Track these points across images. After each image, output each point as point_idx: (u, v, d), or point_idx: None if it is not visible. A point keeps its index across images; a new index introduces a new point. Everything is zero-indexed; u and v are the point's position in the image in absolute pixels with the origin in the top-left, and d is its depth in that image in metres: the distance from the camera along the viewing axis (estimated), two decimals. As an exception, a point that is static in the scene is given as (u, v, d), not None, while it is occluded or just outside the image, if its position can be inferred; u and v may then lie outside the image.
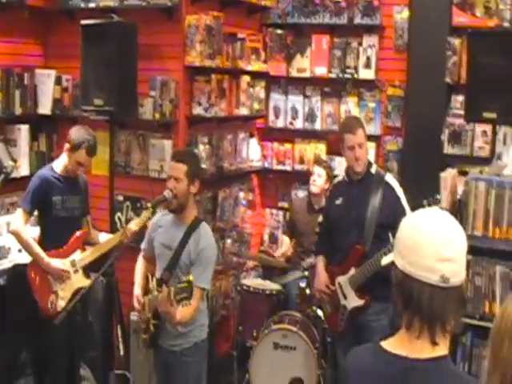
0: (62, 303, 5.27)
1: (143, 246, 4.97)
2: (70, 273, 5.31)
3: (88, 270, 5.38)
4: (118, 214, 6.62)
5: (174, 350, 4.61)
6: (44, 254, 5.30)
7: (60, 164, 5.43)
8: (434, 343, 2.08)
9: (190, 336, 4.61)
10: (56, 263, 5.29)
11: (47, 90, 6.72)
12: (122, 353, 6.03)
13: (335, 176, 6.13)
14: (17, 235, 5.32)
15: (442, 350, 2.10)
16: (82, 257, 5.35)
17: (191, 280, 4.12)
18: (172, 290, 4.10)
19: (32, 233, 5.54)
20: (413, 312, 2.10)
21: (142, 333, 4.74)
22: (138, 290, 4.78)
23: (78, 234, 5.37)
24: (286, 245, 7.29)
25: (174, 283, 4.32)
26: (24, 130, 6.41)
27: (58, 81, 6.79)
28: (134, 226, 5.06)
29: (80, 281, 5.32)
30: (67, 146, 5.35)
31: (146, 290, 4.73)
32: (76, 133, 5.36)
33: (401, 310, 2.15)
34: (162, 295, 4.17)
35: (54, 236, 5.37)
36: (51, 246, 5.34)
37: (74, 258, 5.32)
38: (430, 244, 2.06)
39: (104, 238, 5.53)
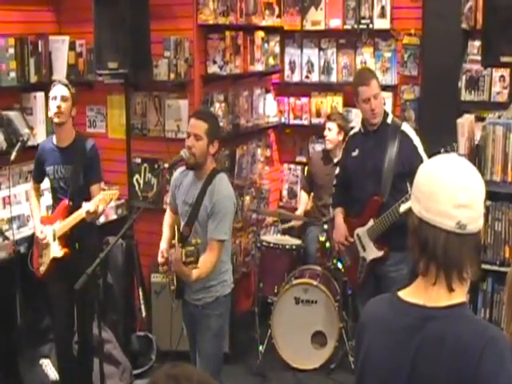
0: (42, 268, 5.35)
1: (169, 200, 5.04)
2: (48, 240, 5.29)
3: (66, 239, 5.27)
4: (136, 176, 6.65)
5: (197, 304, 4.68)
6: (36, 220, 5.42)
7: (54, 133, 5.42)
8: (451, 290, 2.07)
9: (211, 291, 4.65)
10: (36, 229, 5.36)
11: (61, 56, 6.71)
12: (143, 314, 6.10)
13: (352, 128, 6.09)
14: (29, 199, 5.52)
15: (460, 297, 2.09)
16: (59, 227, 5.28)
17: (198, 243, 4.19)
18: (183, 253, 4.16)
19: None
20: (429, 258, 2.09)
21: (171, 284, 4.81)
22: (163, 245, 4.84)
23: (61, 203, 5.31)
24: (303, 203, 7.31)
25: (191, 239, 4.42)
26: (40, 98, 6.39)
27: (72, 46, 6.77)
28: (91, 206, 5.02)
29: (54, 251, 5.28)
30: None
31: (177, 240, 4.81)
32: None
33: (417, 256, 2.13)
34: (176, 256, 4.23)
35: (54, 204, 5.43)
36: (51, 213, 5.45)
37: (54, 227, 5.30)
38: (446, 189, 2.05)
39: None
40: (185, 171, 4.78)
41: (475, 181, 2.08)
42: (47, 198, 5.76)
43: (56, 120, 5.26)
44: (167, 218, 4.99)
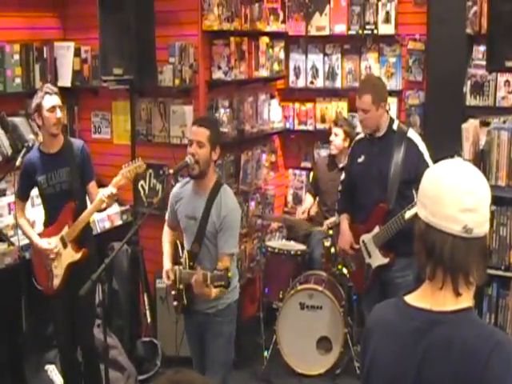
0: (56, 282, 5.26)
1: (167, 216, 4.98)
2: (58, 250, 5.20)
3: (77, 242, 5.22)
4: (141, 182, 6.65)
5: (208, 313, 4.66)
6: (34, 235, 5.30)
7: (42, 141, 5.33)
8: (458, 294, 2.07)
9: (223, 298, 4.64)
10: (41, 243, 5.24)
11: (67, 62, 6.74)
12: (149, 320, 6.10)
13: (358, 133, 6.09)
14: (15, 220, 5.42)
15: (466, 301, 2.09)
16: (69, 231, 5.20)
17: (228, 268, 4.25)
18: (209, 276, 4.19)
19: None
20: (435, 263, 2.09)
21: (172, 300, 4.80)
22: (167, 264, 4.79)
23: (66, 206, 5.23)
24: (307, 203, 7.29)
25: (207, 260, 4.50)
26: (44, 104, 6.42)
27: (77, 52, 6.80)
28: (110, 189, 4.98)
29: (69, 256, 5.21)
30: (36, 118, 5.17)
31: (175, 259, 4.79)
32: (33, 101, 5.16)
33: (423, 261, 2.13)
34: (197, 278, 4.25)
35: (49, 214, 5.34)
36: (50, 224, 5.34)
37: (63, 234, 5.22)
38: (452, 194, 2.05)
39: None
40: (183, 186, 4.78)
41: (481, 185, 2.09)
42: (35, 212, 5.75)
43: (56, 131, 5.17)
44: (166, 235, 4.97)
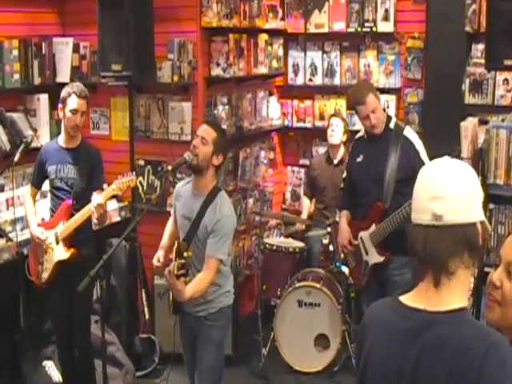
0: (45, 275, 5.29)
1: (172, 209, 4.98)
2: (51, 244, 5.23)
3: (70, 242, 5.21)
4: (140, 178, 6.64)
5: (199, 316, 4.60)
6: (32, 222, 5.34)
7: (62, 134, 5.35)
8: (437, 284, 2.06)
9: (214, 302, 4.59)
10: (35, 231, 5.28)
11: (65, 58, 6.72)
12: (147, 317, 6.08)
13: (357, 131, 6.08)
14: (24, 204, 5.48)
15: (460, 302, 2.09)
16: (62, 229, 5.20)
17: (190, 256, 4.14)
18: (175, 265, 4.12)
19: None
20: (419, 260, 2.09)
21: (169, 297, 4.78)
22: (160, 252, 4.79)
23: (63, 204, 5.24)
24: (306, 207, 7.35)
25: (193, 263, 4.40)
26: (43, 100, 6.41)
27: (76, 48, 6.78)
28: (100, 199, 4.96)
29: (59, 253, 5.21)
30: (59, 109, 5.21)
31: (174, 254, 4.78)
32: (63, 91, 5.20)
33: (416, 262, 2.13)
34: (169, 268, 4.17)
35: (54, 206, 5.35)
36: (51, 215, 5.37)
37: (57, 230, 5.23)
38: (423, 184, 2.08)
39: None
40: (184, 185, 4.76)
41: (459, 177, 2.08)
42: (47, 201, 5.74)
43: (72, 133, 5.22)
44: (169, 226, 4.95)
